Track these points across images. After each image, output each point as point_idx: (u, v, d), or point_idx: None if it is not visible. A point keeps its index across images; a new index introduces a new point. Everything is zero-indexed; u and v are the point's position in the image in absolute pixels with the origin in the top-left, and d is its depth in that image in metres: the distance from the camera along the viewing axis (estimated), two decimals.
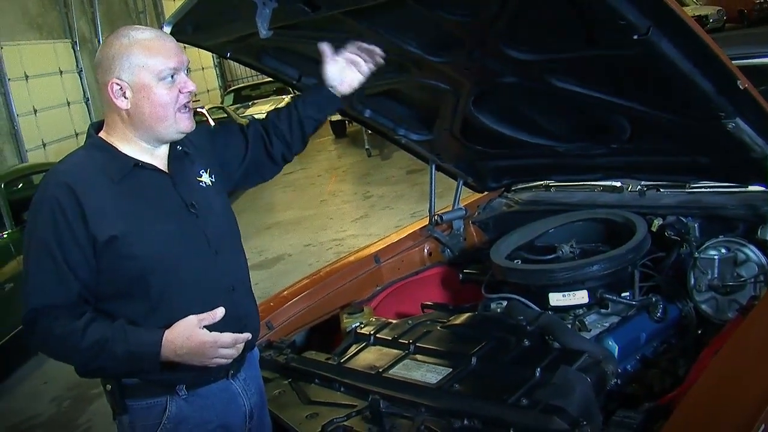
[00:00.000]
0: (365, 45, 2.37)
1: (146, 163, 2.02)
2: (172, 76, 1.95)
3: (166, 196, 2.03)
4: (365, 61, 2.37)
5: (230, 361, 2.00)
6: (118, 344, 1.88)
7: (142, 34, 1.96)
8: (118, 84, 1.93)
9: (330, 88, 2.37)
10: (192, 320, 1.91)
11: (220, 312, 1.93)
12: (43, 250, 1.89)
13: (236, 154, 2.34)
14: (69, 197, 1.88)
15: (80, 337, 1.87)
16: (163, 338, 1.90)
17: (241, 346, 1.99)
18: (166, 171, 2.06)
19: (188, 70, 2.02)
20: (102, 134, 2.04)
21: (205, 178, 2.17)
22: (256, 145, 2.36)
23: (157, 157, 2.06)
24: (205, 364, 1.95)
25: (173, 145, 2.10)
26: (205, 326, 1.92)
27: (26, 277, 1.93)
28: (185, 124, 2.01)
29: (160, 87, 1.94)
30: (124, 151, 2.00)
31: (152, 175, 2.02)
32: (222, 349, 1.94)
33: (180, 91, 1.98)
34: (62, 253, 1.88)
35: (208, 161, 2.22)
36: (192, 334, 1.90)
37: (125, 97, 1.94)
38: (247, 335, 2.02)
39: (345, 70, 2.36)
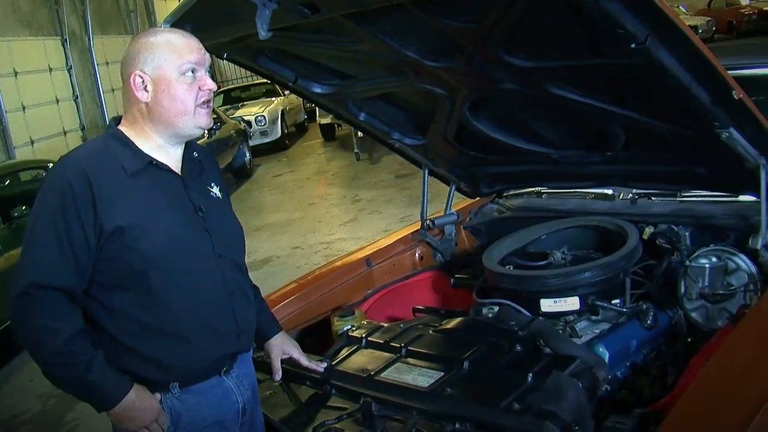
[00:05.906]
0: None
1: (161, 162, 2.04)
2: (192, 72, 2.00)
3: (176, 197, 2.06)
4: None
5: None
6: (88, 368, 1.89)
7: (167, 32, 2.04)
8: (140, 76, 1.98)
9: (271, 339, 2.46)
10: (156, 408, 1.98)
11: None
12: (50, 229, 1.90)
13: None
14: (83, 182, 1.90)
15: (58, 339, 1.88)
16: (127, 395, 1.93)
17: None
18: (179, 173, 2.09)
19: (209, 72, 2.07)
20: (121, 127, 2.06)
21: (215, 190, 2.22)
22: None
23: (172, 158, 2.08)
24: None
25: (188, 150, 2.14)
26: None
27: (27, 253, 1.93)
28: (204, 119, 2.05)
29: (180, 82, 1.99)
30: (141, 148, 2.03)
31: (165, 175, 2.05)
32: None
33: (200, 88, 2.02)
34: (68, 235, 1.89)
35: (216, 179, 2.26)
36: (148, 416, 1.97)
37: (146, 90, 1.99)
38: None
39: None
